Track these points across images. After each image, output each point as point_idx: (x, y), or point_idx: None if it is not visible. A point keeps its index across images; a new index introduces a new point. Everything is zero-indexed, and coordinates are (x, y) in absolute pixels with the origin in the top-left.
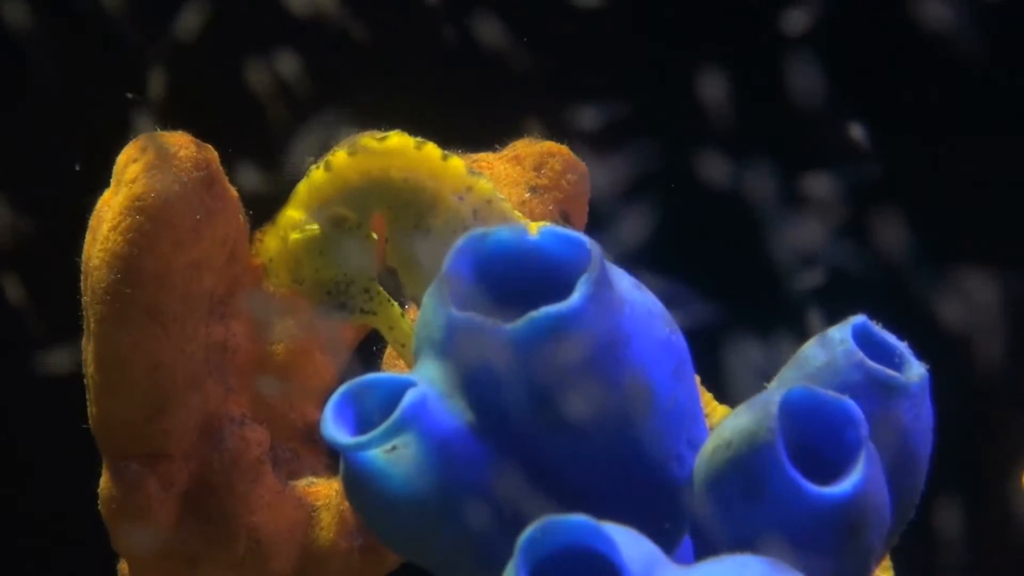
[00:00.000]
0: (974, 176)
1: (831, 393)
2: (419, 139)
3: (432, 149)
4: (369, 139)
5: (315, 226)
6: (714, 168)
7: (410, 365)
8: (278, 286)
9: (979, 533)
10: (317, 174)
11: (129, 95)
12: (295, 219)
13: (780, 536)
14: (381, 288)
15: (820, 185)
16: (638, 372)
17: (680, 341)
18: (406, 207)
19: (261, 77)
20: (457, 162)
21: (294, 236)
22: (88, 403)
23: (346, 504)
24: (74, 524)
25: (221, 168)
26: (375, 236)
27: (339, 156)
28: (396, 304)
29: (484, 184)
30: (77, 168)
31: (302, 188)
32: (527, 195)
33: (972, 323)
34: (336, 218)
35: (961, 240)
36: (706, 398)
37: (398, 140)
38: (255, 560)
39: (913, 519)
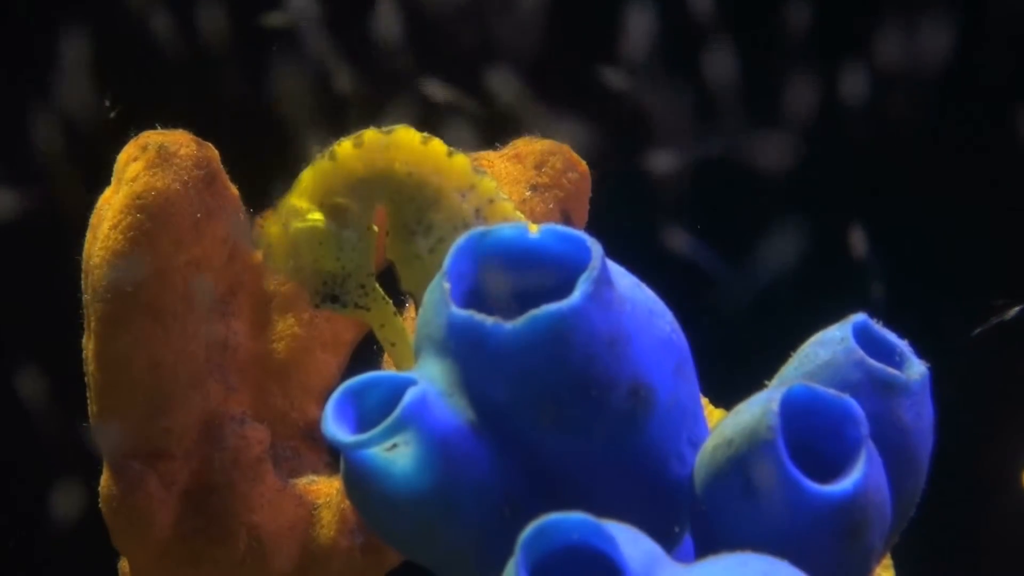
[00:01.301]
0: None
1: (832, 391)
2: (425, 134)
3: (438, 145)
4: (375, 132)
5: (319, 216)
6: (706, 167)
7: (398, 364)
8: (276, 272)
9: (979, 532)
10: (322, 163)
11: (110, 108)
12: (297, 207)
13: (780, 534)
14: (377, 285)
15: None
16: (639, 371)
17: (681, 340)
18: (409, 201)
19: (265, 74)
20: (462, 159)
21: (296, 224)
22: (89, 402)
23: (347, 502)
24: (74, 523)
25: (221, 167)
26: (376, 229)
27: (345, 147)
28: (390, 303)
29: (488, 183)
30: (110, 111)
31: (306, 176)
32: (528, 194)
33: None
34: (338, 208)
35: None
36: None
37: (404, 134)
38: (256, 559)
39: (913, 517)
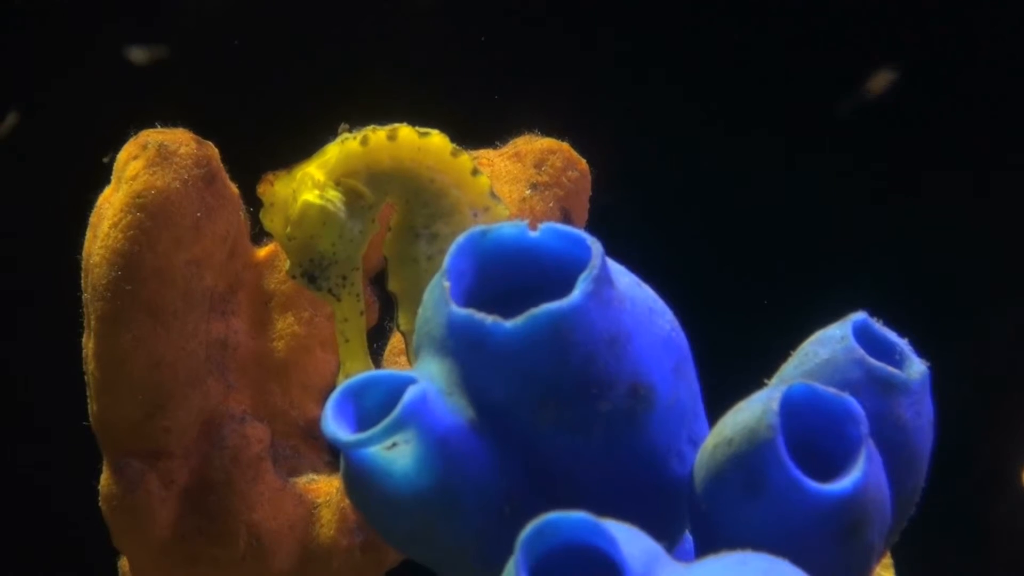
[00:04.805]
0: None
1: (832, 390)
2: (456, 147)
3: (466, 160)
4: (411, 130)
5: (336, 195)
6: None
7: (343, 360)
8: (268, 230)
9: (979, 532)
10: (352, 145)
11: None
12: (315, 178)
13: (780, 533)
14: (357, 281)
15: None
16: (639, 369)
17: (681, 338)
18: (424, 206)
19: (265, 74)
20: (484, 180)
21: (308, 196)
22: (88, 400)
23: (347, 501)
24: (74, 522)
25: (222, 165)
26: (378, 225)
27: (378, 135)
28: (362, 301)
29: (501, 210)
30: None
31: (331, 152)
32: (527, 192)
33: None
34: (353, 192)
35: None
36: None
37: (438, 140)
38: (256, 557)
39: (914, 516)
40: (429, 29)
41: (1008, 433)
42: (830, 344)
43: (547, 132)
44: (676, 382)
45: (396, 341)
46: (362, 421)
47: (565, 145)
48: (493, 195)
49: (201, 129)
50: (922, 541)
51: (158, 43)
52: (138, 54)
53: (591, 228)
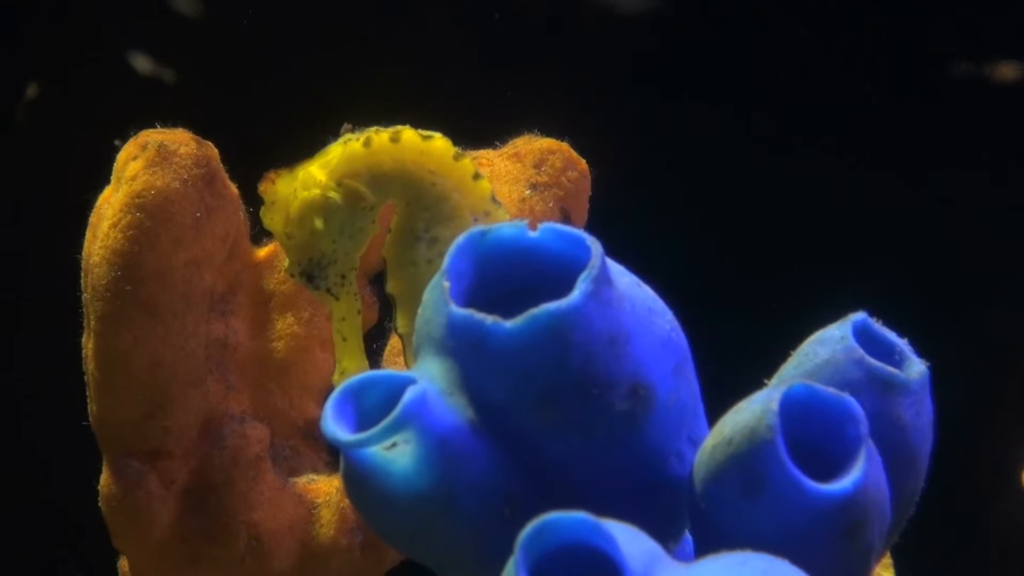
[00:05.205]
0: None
1: (831, 390)
2: (459, 150)
3: (468, 164)
4: (414, 133)
5: (337, 195)
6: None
7: (339, 358)
8: (269, 228)
9: (979, 532)
10: (354, 146)
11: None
12: (316, 178)
13: (780, 533)
14: (355, 281)
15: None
16: (639, 370)
17: (681, 339)
18: (425, 209)
19: (264, 73)
20: (485, 185)
21: (309, 196)
22: (88, 400)
23: (346, 501)
24: (74, 522)
25: (221, 165)
26: (379, 226)
27: (381, 137)
28: (359, 300)
29: (502, 214)
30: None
31: (334, 152)
32: (527, 192)
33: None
34: (355, 194)
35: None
36: None
37: (441, 144)
38: (256, 557)
39: (913, 516)
40: (430, 29)
41: (1008, 433)
42: (830, 344)
43: (547, 132)
44: (676, 382)
45: (396, 341)
46: (362, 421)
47: (565, 145)
48: (494, 200)
49: (201, 129)
50: (922, 541)
51: (158, 43)
52: (139, 61)
53: (591, 228)
